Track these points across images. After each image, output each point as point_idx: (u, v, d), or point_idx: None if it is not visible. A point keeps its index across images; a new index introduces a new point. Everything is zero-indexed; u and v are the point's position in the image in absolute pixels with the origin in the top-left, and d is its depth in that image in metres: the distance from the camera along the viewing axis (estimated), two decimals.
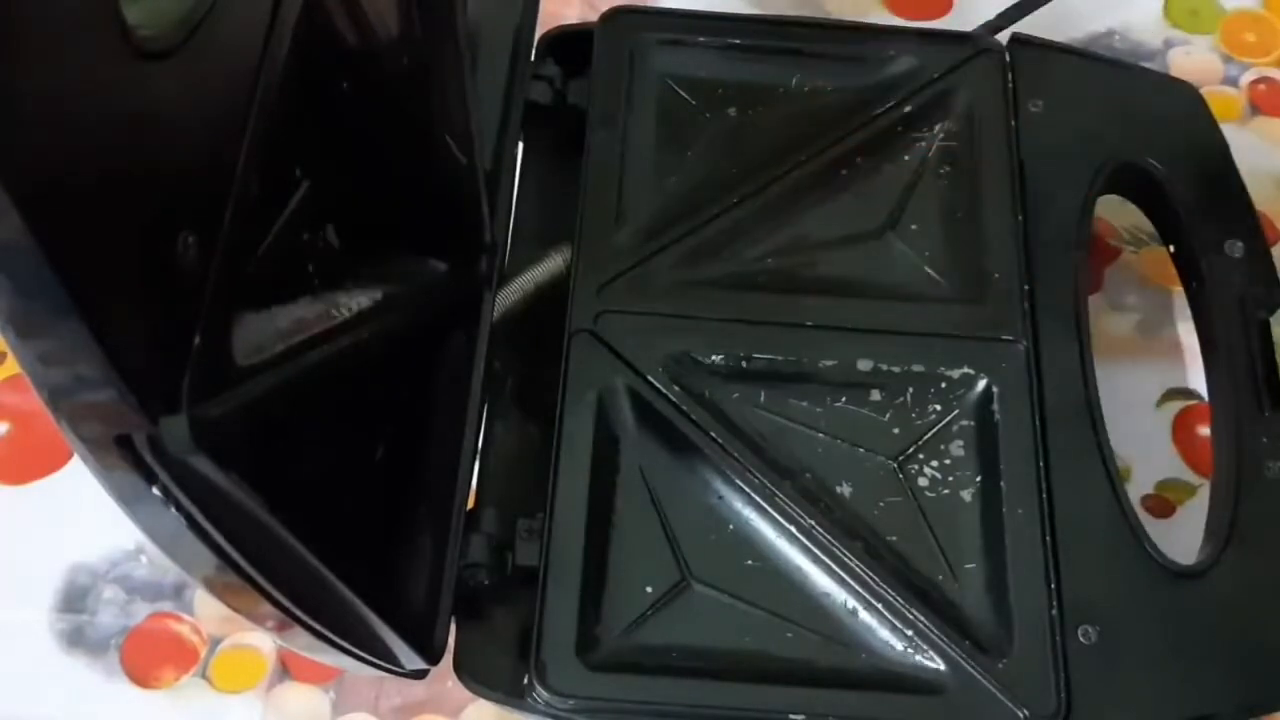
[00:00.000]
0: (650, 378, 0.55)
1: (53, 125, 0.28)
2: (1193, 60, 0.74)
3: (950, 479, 0.55)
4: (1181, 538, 0.54)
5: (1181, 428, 0.63)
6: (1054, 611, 0.51)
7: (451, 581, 0.51)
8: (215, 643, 0.59)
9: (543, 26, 0.65)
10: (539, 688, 0.49)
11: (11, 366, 0.63)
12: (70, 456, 0.61)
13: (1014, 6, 0.65)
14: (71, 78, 0.29)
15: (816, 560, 0.52)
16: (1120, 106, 0.63)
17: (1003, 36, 0.64)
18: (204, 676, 0.58)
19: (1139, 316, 0.66)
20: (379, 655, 0.47)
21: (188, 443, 0.33)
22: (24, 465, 0.62)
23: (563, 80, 0.64)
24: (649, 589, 0.52)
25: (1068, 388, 0.56)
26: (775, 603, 0.52)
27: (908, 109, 0.62)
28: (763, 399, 0.56)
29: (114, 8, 0.31)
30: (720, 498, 0.54)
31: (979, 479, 0.54)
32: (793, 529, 0.53)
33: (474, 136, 0.53)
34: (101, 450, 0.33)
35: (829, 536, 0.52)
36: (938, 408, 0.56)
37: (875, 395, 0.56)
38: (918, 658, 0.51)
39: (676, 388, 0.55)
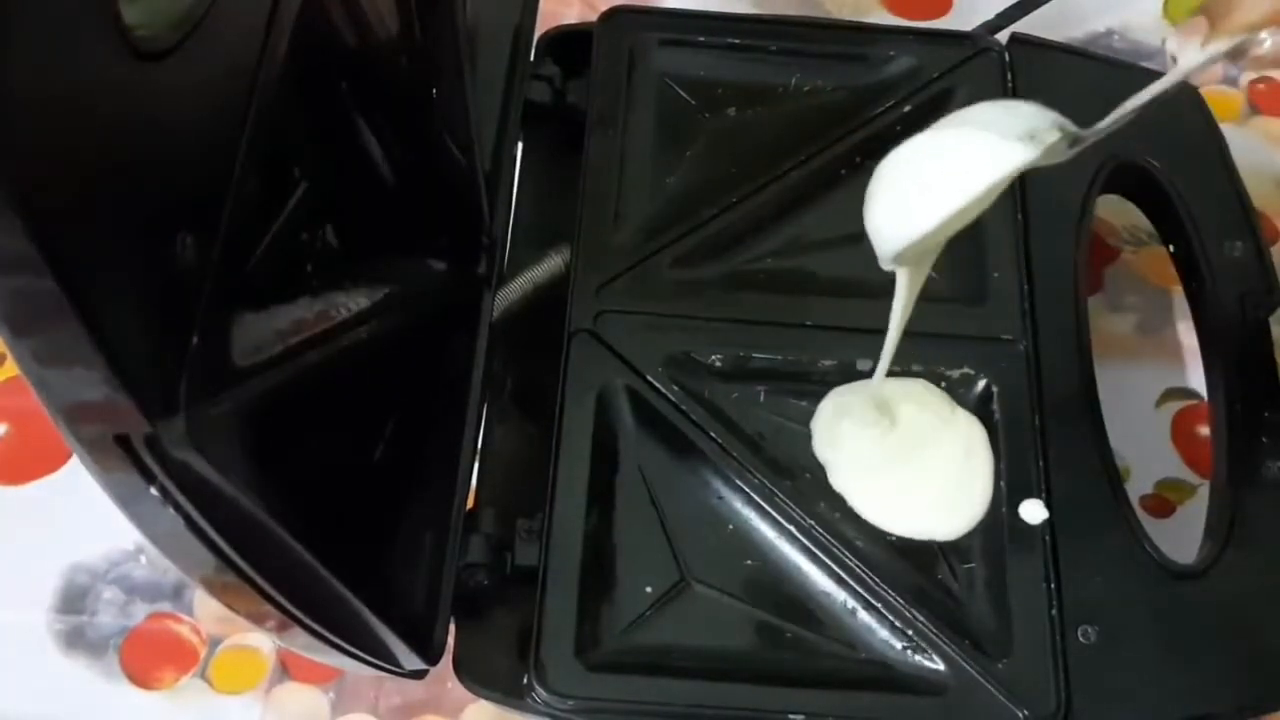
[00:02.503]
0: (650, 378, 0.55)
1: (50, 125, 0.28)
2: None
3: None
4: (1181, 538, 0.54)
5: (1181, 428, 0.63)
6: (1054, 611, 0.51)
7: (451, 581, 0.51)
8: (215, 643, 0.59)
9: (542, 26, 0.65)
10: (538, 688, 0.49)
11: (11, 367, 0.63)
12: (70, 456, 0.61)
13: (1014, 6, 0.65)
14: (69, 78, 0.29)
15: (816, 560, 0.52)
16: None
17: (1002, 36, 0.64)
18: (204, 677, 0.58)
19: (1139, 316, 0.66)
20: (378, 655, 0.47)
21: (186, 443, 0.33)
22: (24, 465, 0.62)
23: (562, 80, 0.64)
24: (648, 589, 0.52)
25: (1067, 388, 0.56)
26: (775, 603, 0.52)
27: (907, 109, 0.62)
28: (762, 399, 0.56)
29: (112, 8, 0.31)
30: (720, 498, 0.54)
31: None
32: (792, 529, 0.53)
33: (474, 137, 0.53)
34: (100, 450, 0.33)
35: (828, 536, 0.52)
36: None
37: None
38: (917, 658, 0.51)
39: (676, 387, 0.55)
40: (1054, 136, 0.41)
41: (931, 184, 0.42)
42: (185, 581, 0.58)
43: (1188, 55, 0.41)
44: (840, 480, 0.54)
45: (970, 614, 0.52)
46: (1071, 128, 0.42)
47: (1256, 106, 0.72)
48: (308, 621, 0.42)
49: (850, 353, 0.56)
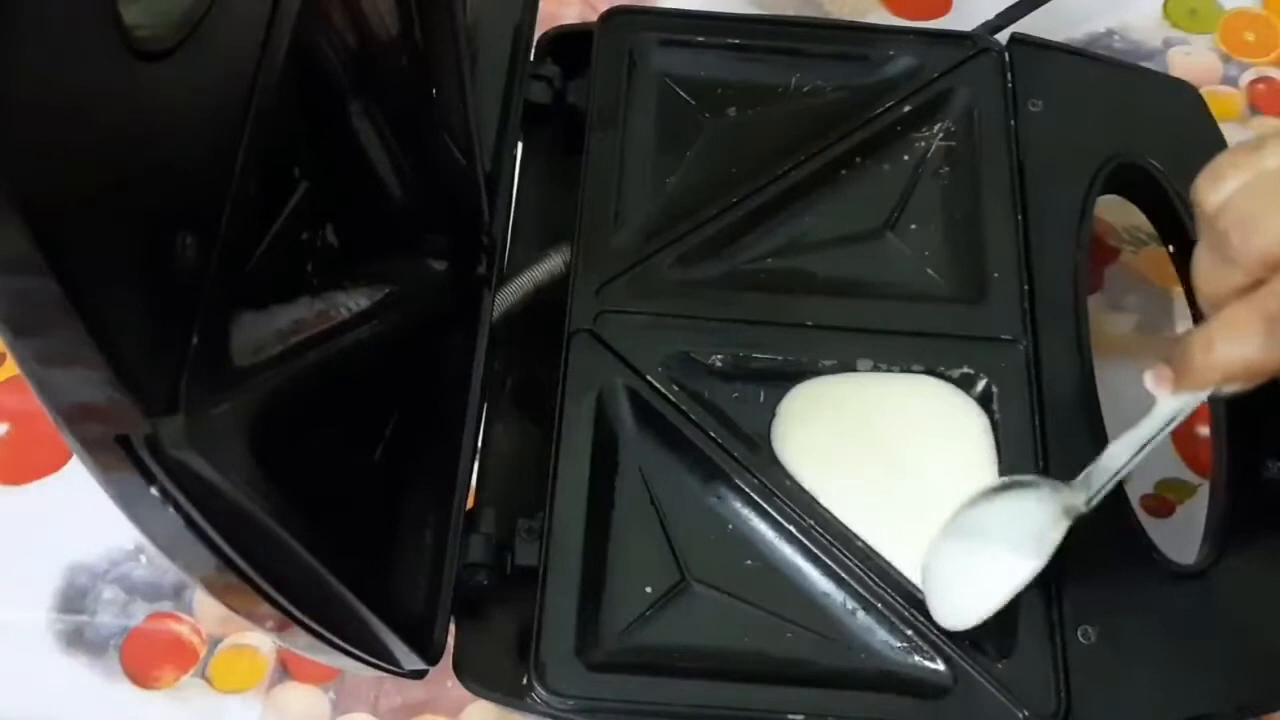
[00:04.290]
0: (650, 378, 0.55)
1: (51, 125, 0.28)
2: (1192, 60, 0.74)
3: None
4: (1181, 538, 0.54)
5: (1181, 428, 0.63)
6: (1054, 612, 0.51)
7: (451, 581, 0.51)
8: (215, 643, 0.59)
9: (542, 26, 0.65)
10: (538, 688, 0.49)
11: (12, 367, 0.62)
12: (70, 456, 0.61)
13: (1014, 6, 0.65)
14: (69, 78, 0.29)
15: (816, 560, 0.52)
16: (1120, 106, 0.63)
17: (1002, 36, 0.64)
18: (204, 676, 0.58)
19: (1139, 316, 0.66)
20: (378, 655, 0.47)
21: (186, 443, 0.33)
22: (24, 465, 0.62)
23: (562, 80, 0.64)
24: (648, 589, 0.52)
25: (1067, 388, 0.56)
26: (775, 603, 0.52)
27: (908, 109, 0.62)
28: (763, 399, 0.56)
29: (112, 8, 0.31)
30: (720, 498, 0.54)
31: None
32: (792, 529, 0.53)
33: (474, 136, 0.53)
34: (100, 450, 0.33)
35: (828, 536, 0.52)
36: None
37: None
38: (917, 658, 0.51)
39: (676, 388, 0.55)
40: (1060, 535, 0.48)
41: (976, 589, 0.49)
42: (185, 581, 0.58)
43: (1165, 403, 0.45)
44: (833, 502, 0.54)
45: None
46: (1080, 506, 0.48)
47: (1257, 107, 0.72)
48: (308, 622, 0.42)
49: (850, 353, 0.56)
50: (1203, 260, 0.44)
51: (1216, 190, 0.42)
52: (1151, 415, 0.46)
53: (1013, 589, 0.49)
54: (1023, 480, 0.50)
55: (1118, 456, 0.47)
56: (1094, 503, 0.48)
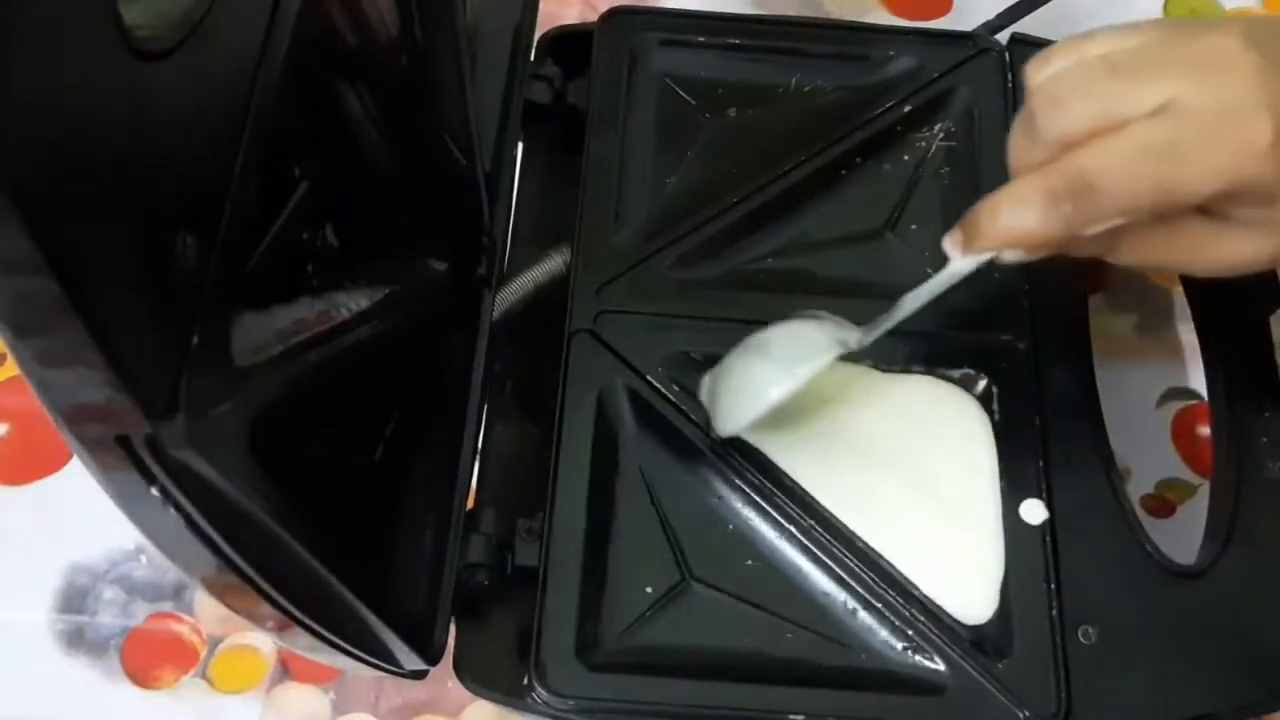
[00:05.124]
0: (650, 378, 0.55)
1: (51, 125, 0.28)
2: None
3: None
4: (1181, 538, 0.54)
5: (1181, 428, 0.63)
6: (1054, 611, 0.51)
7: (451, 582, 0.51)
8: (215, 643, 0.59)
9: (542, 26, 0.65)
10: (539, 688, 0.49)
11: (12, 367, 0.63)
12: (70, 457, 0.61)
13: (1014, 6, 0.65)
14: (69, 78, 0.29)
15: (816, 560, 0.52)
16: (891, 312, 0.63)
17: (1002, 36, 0.64)
18: (204, 676, 0.58)
19: (1139, 316, 0.66)
20: (378, 655, 0.47)
21: (186, 443, 0.34)
22: (24, 465, 0.62)
23: (562, 80, 0.63)
24: (649, 589, 0.52)
25: (1067, 388, 0.56)
26: (775, 603, 0.52)
27: (908, 109, 0.62)
28: None
29: (112, 8, 0.31)
30: (720, 498, 0.54)
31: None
32: (792, 529, 0.53)
33: (474, 136, 0.53)
34: (100, 451, 0.33)
35: (828, 536, 0.52)
36: None
37: None
38: (918, 658, 0.51)
39: (676, 388, 0.55)
40: (826, 360, 0.51)
41: (740, 397, 0.52)
42: (185, 581, 0.58)
43: (956, 262, 0.48)
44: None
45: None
46: (852, 343, 0.51)
47: None
48: (308, 622, 0.42)
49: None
50: (1015, 134, 0.46)
51: (1040, 71, 0.45)
52: (942, 272, 0.48)
53: (772, 402, 0.51)
54: (814, 314, 0.53)
55: (905, 306, 0.50)
56: (865, 343, 0.51)
